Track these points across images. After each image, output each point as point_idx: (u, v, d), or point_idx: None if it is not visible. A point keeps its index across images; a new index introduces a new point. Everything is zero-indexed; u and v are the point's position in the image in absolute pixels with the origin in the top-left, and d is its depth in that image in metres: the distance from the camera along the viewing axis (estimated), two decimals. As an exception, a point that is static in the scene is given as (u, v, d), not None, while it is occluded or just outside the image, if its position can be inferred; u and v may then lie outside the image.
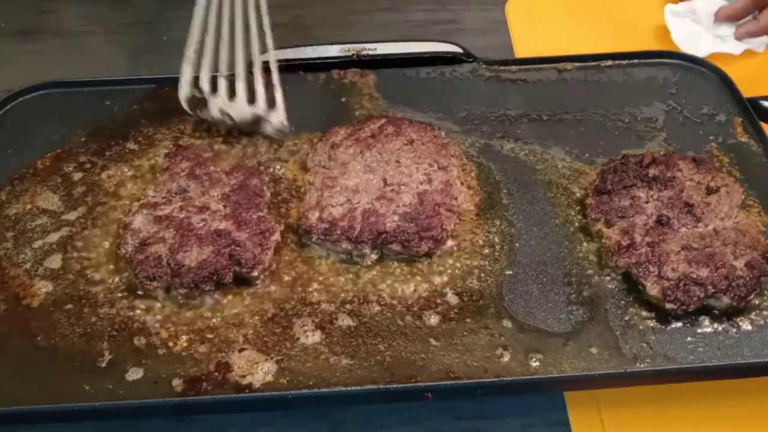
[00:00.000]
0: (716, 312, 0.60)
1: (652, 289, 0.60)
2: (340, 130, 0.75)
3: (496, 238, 0.67)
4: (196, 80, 0.77)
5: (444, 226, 0.65)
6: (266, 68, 0.77)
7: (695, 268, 0.60)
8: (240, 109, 0.75)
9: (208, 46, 0.77)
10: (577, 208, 0.69)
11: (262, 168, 0.72)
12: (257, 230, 0.65)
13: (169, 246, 0.63)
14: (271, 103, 0.76)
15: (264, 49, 0.77)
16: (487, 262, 0.65)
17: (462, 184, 0.71)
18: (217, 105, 0.76)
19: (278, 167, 0.74)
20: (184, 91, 0.77)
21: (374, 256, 0.65)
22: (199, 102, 0.76)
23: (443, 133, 0.77)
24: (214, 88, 0.77)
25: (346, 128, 0.75)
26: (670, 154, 0.71)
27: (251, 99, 0.76)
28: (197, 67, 0.77)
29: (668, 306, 0.59)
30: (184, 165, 0.71)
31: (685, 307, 0.59)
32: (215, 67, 0.77)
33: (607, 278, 0.63)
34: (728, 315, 0.59)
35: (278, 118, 0.76)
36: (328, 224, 0.65)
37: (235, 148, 0.77)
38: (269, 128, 0.76)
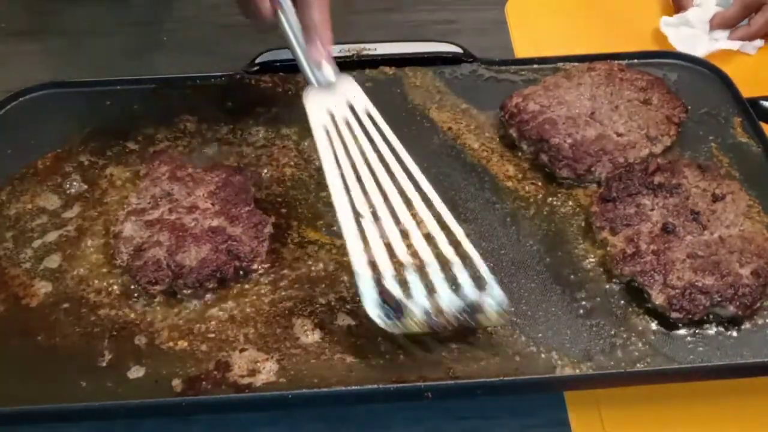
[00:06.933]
0: (721, 319, 0.59)
1: (658, 298, 0.59)
2: (608, 66, 0.80)
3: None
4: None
5: (591, 168, 0.70)
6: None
7: (701, 277, 0.59)
8: (450, 301, 0.57)
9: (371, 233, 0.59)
10: (582, 215, 0.69)
11: (242, 166, 0.73)
12: (250, 224, 0.65)
13: (167, 248, 0.62)
14: (478, 281, 0.58)
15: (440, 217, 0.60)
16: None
17: None
18: (420, 306, 0.56)
19: (265, 171, 0.74)
20: (373, 311, 0.56)
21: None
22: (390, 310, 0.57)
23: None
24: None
25: (617, 67, 0.80)
26: (675, 161, 0.70)
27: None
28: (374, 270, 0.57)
29: (674, 315, 0.58)
30: (164, 169, 0.70)
31: (690, 316, 0.58)
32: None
33: (612, 286, 0.63)
34: (733, 322, 0.59)
35: (497, 296, 0.57)
36: (515, 111, 0.75)
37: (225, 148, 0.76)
38: (488, 318, 0.57)
